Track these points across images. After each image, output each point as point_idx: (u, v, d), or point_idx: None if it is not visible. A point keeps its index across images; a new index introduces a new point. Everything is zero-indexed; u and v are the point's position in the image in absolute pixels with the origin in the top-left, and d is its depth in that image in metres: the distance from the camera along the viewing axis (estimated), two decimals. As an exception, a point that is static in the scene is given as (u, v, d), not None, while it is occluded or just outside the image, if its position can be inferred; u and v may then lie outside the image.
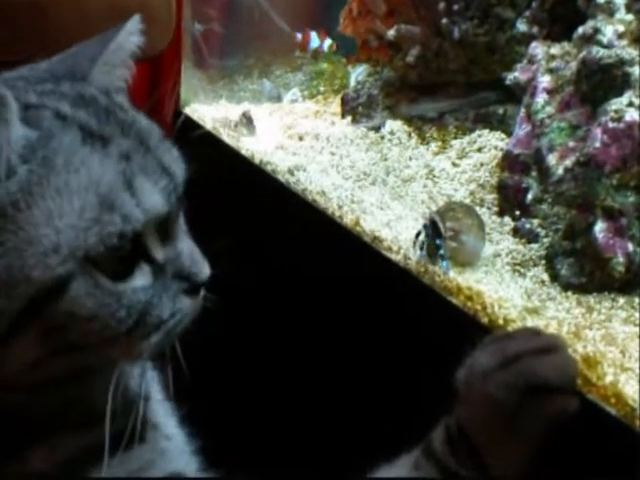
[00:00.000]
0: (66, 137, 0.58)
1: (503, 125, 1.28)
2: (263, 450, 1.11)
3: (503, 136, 1.26)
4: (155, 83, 1.53)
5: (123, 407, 0.66)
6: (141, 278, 0.62)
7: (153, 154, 0.62)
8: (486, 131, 1.29)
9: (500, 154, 1.19)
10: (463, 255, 1.00)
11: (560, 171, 0.94)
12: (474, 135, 1.29)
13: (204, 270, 0.66)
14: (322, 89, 1.87)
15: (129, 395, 0.71)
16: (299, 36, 1.87)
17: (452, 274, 0.94)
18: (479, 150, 1.25)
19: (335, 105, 1.71)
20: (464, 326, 0.89)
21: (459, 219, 1.01)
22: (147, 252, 0.62)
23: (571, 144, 0.96)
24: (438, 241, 0.96)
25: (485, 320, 0.87)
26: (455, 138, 1.32)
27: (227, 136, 1.36)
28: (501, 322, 0.85)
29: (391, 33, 1.34)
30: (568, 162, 0.94)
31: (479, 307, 0.88)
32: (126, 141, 0.61)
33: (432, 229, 0.98)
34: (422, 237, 1.01)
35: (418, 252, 0.99)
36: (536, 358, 0.66)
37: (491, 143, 1.25)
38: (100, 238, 0.57)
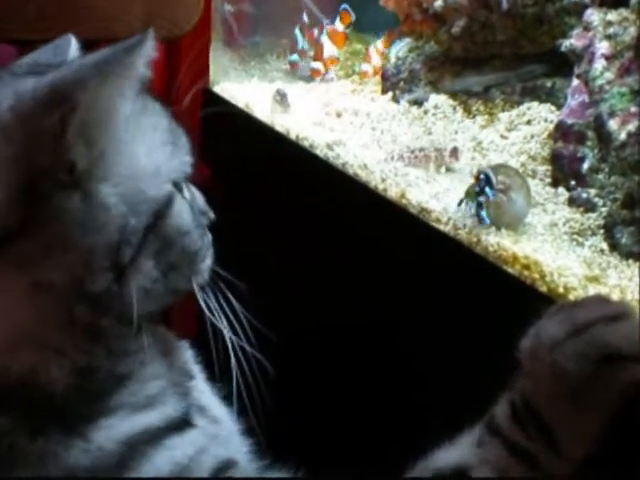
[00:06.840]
0: None
1: (552, 97, 1.26)
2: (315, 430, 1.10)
3: (553, 108, 1.23)
4: (173, 61, 1.51)
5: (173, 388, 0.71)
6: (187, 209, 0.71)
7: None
8: (535, 104, 1.26)
9: (551, 126, 1.16)
10: (508, 214, 0.97)
11: (622, 136, 0.92)
12: (522, 108, 1.26)
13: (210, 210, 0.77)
14: (357, 69, 1.84)
15: (177, 376, 0.73)
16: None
17: (508, 244, 0.92)
18: (528, 122, 1.22)
19: (372, 84, 1.68)
20: (521, 295, 0.86)
21: (511, 176, 0.98)
22: (181, 190, 0.71)
23: (633, 109, 0.93)
24: (488, 189, 0.94)
25: (544, 289, 0.84)
26: (502, 111, 1.29)
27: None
28: (561, 290, 0.82)
29: (438, 4, 1.31)
30: (631, 127, 0.92)
31: (537, 276, 0.85)
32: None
33: (485, 181, 0.95)
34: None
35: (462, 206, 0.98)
36: (607, 326, 0.63)
37: (541, 115, 1.22)
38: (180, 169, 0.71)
